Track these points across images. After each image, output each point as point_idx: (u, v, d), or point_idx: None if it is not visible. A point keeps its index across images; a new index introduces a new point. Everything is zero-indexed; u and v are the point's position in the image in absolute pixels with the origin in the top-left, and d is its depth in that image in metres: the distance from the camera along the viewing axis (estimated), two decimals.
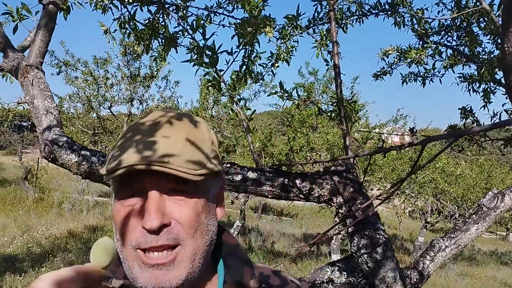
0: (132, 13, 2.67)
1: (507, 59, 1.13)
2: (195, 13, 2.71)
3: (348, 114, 2.34)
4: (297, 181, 1.81)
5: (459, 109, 2.89)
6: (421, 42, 3.15)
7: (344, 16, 2.97)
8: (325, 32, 2.64)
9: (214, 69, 2.19)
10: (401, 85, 3.49)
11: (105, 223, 12.67)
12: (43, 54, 1.86)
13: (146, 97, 11.56)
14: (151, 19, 2.66)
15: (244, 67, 2.46)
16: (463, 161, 14.15)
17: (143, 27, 2.69)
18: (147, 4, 2.55)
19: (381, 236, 1.69)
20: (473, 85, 3.01)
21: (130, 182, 0.75)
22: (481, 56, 2.99)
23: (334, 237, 10.42)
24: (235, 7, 2.71)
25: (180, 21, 2.54)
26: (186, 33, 2.62)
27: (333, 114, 2.42)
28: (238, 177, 1.81)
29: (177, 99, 12.03)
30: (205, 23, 2.51)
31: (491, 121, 2.80)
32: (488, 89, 2.89)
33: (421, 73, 3.26)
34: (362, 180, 1.77)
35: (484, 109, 2.92)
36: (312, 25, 2.80)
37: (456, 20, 3.04)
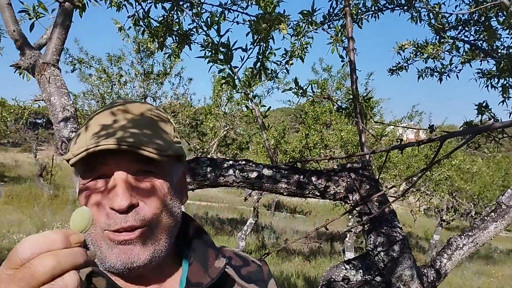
0: (146, 10, 2.67)
1: None
2: (209, 10, 2.70)
3: (363, 111, 2.32)
4: (313, 178, 1.80)
5: (475, 105, 2.84)
6: (438, 37, 3.11)
7: (359, 11, 2.94)
8: (340, 28, 2.61)
9: (229, 66, 2.19)
10: (417, 80, 3.45)
11: None
12: (59, 52, 1.87)
13: (159, 94, 11.60)
14: (165, 16, 2.66)
15: (259, 63, 2.45)
16: (480, 158, 13.95)
17: (157, 24, 2.69)
18: (162, 1, 2.55)
19: (398, 234, 1.67)
20: (492, 80, 2.96)
21: (95, 165, 0.76)
22: (499, 51, 2.94)
23: (348, 235, 10.37)
24: (249, 4, 2.69)
25: (195, 18, 2.54)
26: (200, 30, 2.62)
27: (349, 111, 2.40)
28: (254, 174, 1.80)
29: (190, 96, 12.04)
30: (219, 20, 2.50)
31: (509, 117, 2.75)
32: (507, 85, 2.84)
33: (438, 69, 3.21)
34: (378, 177, 1.75)
35: (503, 104, 2.87)
36: (327, 20, 2.78)
37: (474, 15, 2.99)
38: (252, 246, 12.85)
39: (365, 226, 1.72)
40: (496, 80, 2.92)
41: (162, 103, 11.77)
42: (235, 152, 13.18)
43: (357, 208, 1.79)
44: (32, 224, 10.93)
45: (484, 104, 2.79)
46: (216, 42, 2.23)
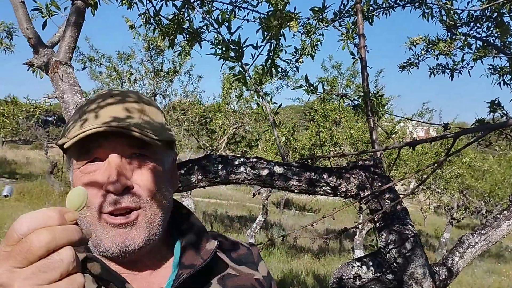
0: (157, 9, 2.68)
1: None
2: (219, 8, 2.70)
3: (374, 108, 2.31)
4: (324, 176, 1.80)
5: (487, 102, 2.82)
6: (449, 34, 3.08)
7: (370, 8, 2.92)
8: (351, 25, 2.60)
9: (240, 63, 2.19)
10: (429, 77, 3.43)
11: None
12: (72, 50, 1.88)
13: (169, 92, 11.65)
14: (176, 14, 2.67)
15: (270, 61, 2.45)
16: (491, 156, 13.82)
17: (168, 22, 2.70)
18: None
19: (410, 231, 1.66)
20: (504, 77, 2.93)
21: (90, 148, 0.78)
22: None
23: (357, 232, 10.34)
24: (259, 1, 2.69)
25: (205, 15, 2.54)
26: (211, 28, 2.62)
27: (361, 108, 2.39)
28: (265, 172, 1.80)
29: (200, 94, 12.08)
30: (230, 18, 2.50)
31: None
32: None
33: (450, 66, 3.19)
34: (388, 174, 1.74)
35: None
36: (338, 18, 2.77)
37: (486, 11, 2.96)
38: (259, 243, 12.85)
39: (377, 223, 1.72)
40: (509, 76, 2.89)
41: (171, 101, 11.81)
42: (244, 149, 13.19)
43: (367, 205, 1.78)
44: None
45: (497, 101, 2.76)
46: (227, 40, 2.24)
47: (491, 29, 3.01)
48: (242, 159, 1.86)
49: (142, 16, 2.75)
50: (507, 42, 2.92)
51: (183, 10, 2.66)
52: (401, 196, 1.64)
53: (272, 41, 2.41)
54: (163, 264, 0.87)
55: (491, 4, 2.81)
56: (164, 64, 10.97)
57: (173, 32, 2.74)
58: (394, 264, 1.66)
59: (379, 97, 2.35)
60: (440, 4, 2.89)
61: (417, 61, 3.30)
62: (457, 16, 3.01)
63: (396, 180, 1.45)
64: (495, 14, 2.94)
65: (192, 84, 12.10)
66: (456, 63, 3.14)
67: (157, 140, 0.79)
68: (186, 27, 2.75)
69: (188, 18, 2.71)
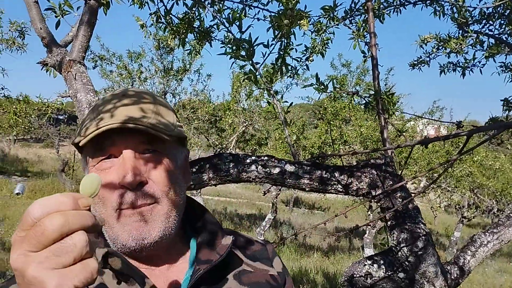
0: (168, 8, 2.69)
1: None
2: (230, 7, 2.71)
3: (385, 106, 2.30)
4: (336, 174, 1.80)
5: (501, 100, 2.79)
6: (461, 32, 3.06)
7: (381, 6, 2.91)
8: (362, 23, 2.60)
9: (251, 61, 2.19)
10: (439, 75, 3.41)
11: None
12: (85, 49, 1.91)
13: (179, 90, 11.69)
14: (187, 13, 2.68)
15: (280, 59, 2.45)
16: (503, 154, 13.68)
17: (179, 21, 2.71)
18: None
19: (422, 230, 1.66)
20: None
21: (104, 146, 0.80)
22: None
23: (367, 230, 10.30)
24: (270, 0, 2.69)
25: (216, 14, 2.55)
26: (221, 27, 2.63)
27: (372, 106, 2.38)
28: (276, 170, 1.81)
29: (209, 92, 12.10)
30: (240, 16, 2.51)
31: None
32: None
33: (461, 63, 3.17)
34: (400, 173, 1.74)
35: None
36: (348, 16, 2.76)
37: (499, 8, 2.94)
38: (270, 241, 12.86)
39: (388, 222, 1.71)
40: None
41: (181, 99, 11.85)
42: (254, 147, 13.20)
43: (379, 203, 1.78)
44: None
45: (511, 99, 2.74)
46: (237, 39, 2.24)
47: (504, 26, 2.98)
48: (253, 158, 1.86)
49: (153, 15, 2.77)
50: None
51: (193, 9, 2.67)
52: (412, 194, 1.64)
53: (283, 39, 2.42)
54: (179, 259, 0.89)
55: (503, 1, 2.79)
56: (174, 63, 11.01)
57: (184, 31, 2.75)
58: (406, 262, 1.66)
59: (390, 95, 2.34)
60: (451, 1, 2.87)
61: (428, 59, 3.28)
62: (468, 14, 2.99)
63: (409, 179, 1.45)
64: (508, 11, 2.91)
65: (201, 82, 12.15)
66: (468, 61, 3.12)
67: (169, 136, 0.81)
68: (196, 26, 2.76)
69: (198, 17, 2.72)
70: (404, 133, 10.45)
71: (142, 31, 2.99)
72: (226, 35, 2.67)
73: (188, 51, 3.08)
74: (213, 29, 2.73)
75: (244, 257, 0.94)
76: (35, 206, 0.53)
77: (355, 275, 1.78)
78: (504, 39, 2.98)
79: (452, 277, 1.81)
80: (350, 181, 1.78)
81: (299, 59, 2.86)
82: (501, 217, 2.04)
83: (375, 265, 1.79)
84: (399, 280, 1.69)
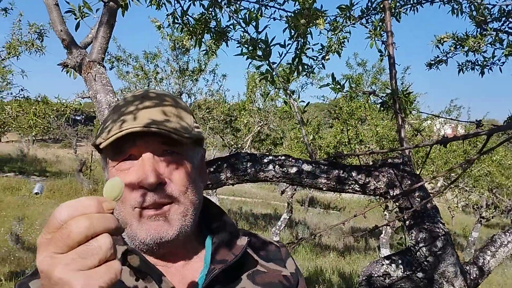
0: (185, 8, 2.72)
1: None
2: (246, 7, 2.72)
3: (402, 106, 2.29)
4: (353, 174, 1.80)
5: None
6: (479, 30, 3.02)
7: (398, 4, 2.89)
8: (379, 22, 2.59)
9: (267, 61, 2.20)
10: (457, 74, 3.37)
11: None
12: (104, 50, 1.93)
13: (194, 90, 11.75)
14: (203, 14, 2.70)
15: (297, 59, 2.45)
16: None
17: (195, 22, 2.73)
18: None
19: (441, 230, 1.65)
20: None
21: (125, 147, 0.82)
22: None
23: (383, 230, 10.23)
24: (286, 0, 2.70)
25: (233, 15, 2.56)
26: (237, 27, 2.64)
27: (388, 105, 2.37)
28: (293, 170, 1.82)
29: (224, 92, 12.15)
30: (257, 16, 2.52)
31: None
32: None
33: (480, 62, 3.13)
34: (419, 172, 1.73)
35: None
36: (365, 15, 2.75)
37: None
38: (286, 241, 12.86)
39: (406, 221, 1.71)
40: None
41: (197, 100, 11.91)
42: (269, 147, 13.20)
43: (397, 203, 1.78)
44: None
45: None
46: (254, 39, 2.25)
47: None
48: (270, 157, 1.87)
49: (170, 16, 2.79)
50: None
51: (210, 9, 2.69)
52: (431, 194, 1.63)
53: (299, 39, 2.42)
54: (195, 258, 0.90)
55: None
56: (190, 63, 11.07)
57: (200, 31, 2.77)
58: (425, 262, 1.65)
59: (407, 94, 2.33)
60: None
61: (445, 58, 3.25)
62: (487, 11, 2.95)
63: (428, 179, 1.44)
64: None
65: (217, 82, 12.20)
66: (487, 59, 3.08)
67: (187, 138, 0.83)
68: (213, 26, 2.78)
69: (215, 17, 2.74)
70: (421, 133, 10.35)
71: (159, 32, 3.02)
72: (242, 35, 2.69)
73: (205, 52, 3.10)
74: (229, 29, 2.74)
75: (258, 257, 0.96)
76: (61, 209, 0.55)
77: (373, 275, 1.78)
78: None
79: (471, 277, 1.79)
80: (367, 180, 1.77)
81: (315, 58, 2.86)
82: None
83: (393, 265, 1.78)
84: (417, 280, 1.68)
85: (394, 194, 1.76)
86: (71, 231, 0.52)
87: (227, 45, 2.85)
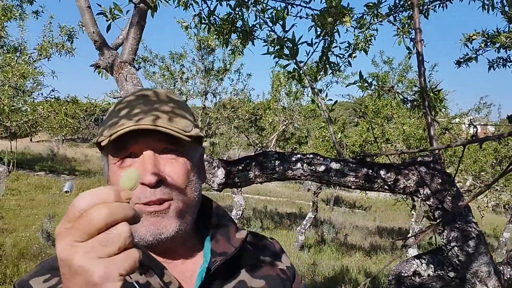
0: (212, 9, 2.74)
1: None
2: (272, 6, 2.73)
3: (432, 104, 2.26)
4: (382, 172, 1.79)
5: None
6: (511, 26, 2.95)
7: (426, 1, 2.85)
8: (407, 19, 2.56)
9: (294, 60, 2.21)
10: (488, 71, 3.30)
11: None
12: (135, 51, 1.97)
13: (219, 90, 11.83)
14: (230, 13, 2.72)
15: (324, 57, 2.45)
16: None
17: (222, 22, 2.76)
18: None
19: (473, 229, 1.62)
20: None
21: (127, 145, 0.83)
22: None
23: (410, 230, 10.09)
24: None
25: (259, 14, 2.58)
26: (264, 26, 2.65)
27: (417, 103, 2.35)
28: (321, 168, 1.82)
29: (249, 92, 12.18)
30: (284, 15, 2.52)
31: None
32: None
33: None
34: (456, 171, 1.70)
35: None
36: (392, 12, 2.72)
37: None
38: (311, 240, 12.83)
39: (437, 221, 1.69)
40: None
41: (222, 99, 11.98)
42: (294, 146, 13.18)
43: (427, 202, 1.76)
44: None
45: None
46: (281, 38, 2.26)
47: None
48: (298, 155, 1.88)
49: (197, 16, 2.82)
50: None
51: (237, 9, 2.70)
52: (466, 196, 1.61)
53: (327, 37, 2.42)
54: (194, 253, 0.92)
55: None
56: (215, 63, 11.14)
57: (227, 31, 2.79)
58: (456, 261, 1.63)
59: (437, 92, 2.30)
60: None
61: (475, 55, 3.19)
62: None
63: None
64: None
65: (242, 82, 12.23)
66: None
67: (187, 136, 0.84)
68: (239, 26, 2.80)
69: (241, 17, 2.76)
70: (449, 131, 10.16)
71: (186, 32, 3.05)
72: (268, 34, 2.69)
73: (231, 51, 3.12)
74: (255, 28, 2.75)
75: (255, 251, 0.99)
76: (80, 198, 0.56)
77: (402, 274, 1.76)
78: None
79: (506, 278, 1.76)
80: (397, 178, 1.76)
81: (341, 56, 2.85)
82: None
83: (423, 264, 1.76)
84: (449, 279, 1.66)
85: (424, 192, 1.74)
86: (91, 218, 0.53)
87: (253, 44, 2.86)
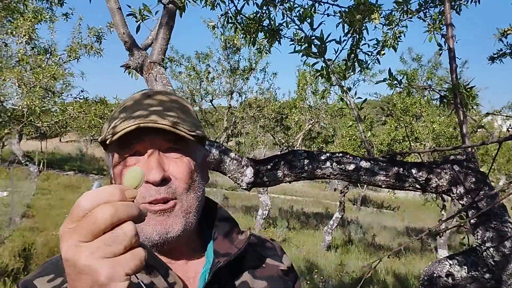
0: (239, 8, 2.75)
1: None
2: (299, 4, 2.71)
3: (464, 101, 2.20)
4: (413, 171, 1.75)
5: None
6: None
7: None
8: (438, 15, 2.50)
9: (323, 58, 2.19)
10: None
11: None
12: (164, 51, 1.99)
13: (245, 89, 11.86)
14: (257, 12, 2.72)
15: (353, 55, 2.42)
16: None
17: (249, 21, 2.76)
18: None
19: (510, 229, 1.57)
20: None
21: (132, 143, 0.82)
22: None
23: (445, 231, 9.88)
24: None
25: (286, 12, 2.57)
26: (290, 24, 2.64)
27: (448, 100, 2.29)
28: (351, 167, 1.80)
29: (275, 91, 12.17)
30: (311, 13, 2.50)
31: None
32: None
33: None
34: (489, 169, 1.66)
35: None
36: (423, 8, 2.67)
37: None
38: (338, 240, 12.72)
39: (471, 220, 1.64)
40: None
41: (247, 98, 12.01)
42: (320, 145, 13.10)
43: (460, 201, 1.71)
44: None
45: None
46: (309, 36, 2.24)
47: None
48: (327, 154, 1.86)
49: (224, 15, 2.83)
50: None
51: (264, 8, 2.70)
52: (499, 193, 1.56)
53: (355, 35, 2.39)
54: (197, 253, 0.92)
55: None
56: (240, 62, 11.18)
57: (254, 30, 2.79)
58: (492, 262, 1.58)
59: (470, 89, 2.24)
60: None
61: (509, 50, 3.10)
62: None
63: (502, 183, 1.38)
64: None
65: (267, 81, 12.25)
66: None
67: (191, 136, 0.84)
68: (266, 25, 2.79)
69: (268, 16, 2.75)
70: (484, 127, 9.92)
71: (213, 32, 3.06)
72: (295, 32, 2.68)
73: (258, 50, 3.12)
74: (282, 27, 2.74)
75: (257, 253, 0.98)
76: (85, 198, 0.55)
77: (435, 275, 1.72)
78: None
79: None
80: (429, 177, 1.72)
81: (369, 53, 2.81)
82: None
83: (457, 265, 1.72)
84: (484, 280, 1.61)
85: (458, 191, 1.70)
86: (96, 218, 0.53)
87: (279, 43, 2.85)
